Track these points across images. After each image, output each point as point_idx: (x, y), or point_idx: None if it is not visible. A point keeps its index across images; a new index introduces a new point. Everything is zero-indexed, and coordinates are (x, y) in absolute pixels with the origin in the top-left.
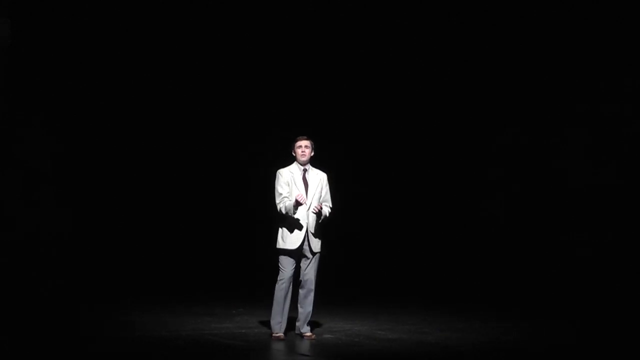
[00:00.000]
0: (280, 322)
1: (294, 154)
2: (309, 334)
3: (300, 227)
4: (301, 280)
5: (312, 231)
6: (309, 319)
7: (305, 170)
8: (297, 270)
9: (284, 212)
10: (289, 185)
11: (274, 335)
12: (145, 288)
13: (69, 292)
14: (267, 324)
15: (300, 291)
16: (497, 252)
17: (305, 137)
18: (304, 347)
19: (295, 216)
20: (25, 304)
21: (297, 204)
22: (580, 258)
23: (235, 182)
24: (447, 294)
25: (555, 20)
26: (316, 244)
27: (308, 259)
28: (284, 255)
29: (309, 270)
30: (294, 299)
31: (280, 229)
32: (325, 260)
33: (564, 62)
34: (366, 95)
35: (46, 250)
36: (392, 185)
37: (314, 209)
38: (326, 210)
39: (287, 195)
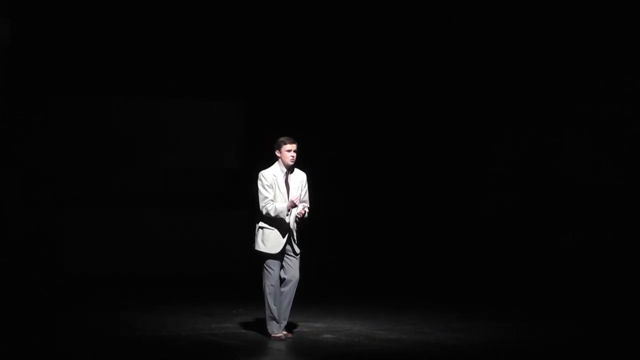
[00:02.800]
0: (279, 323)
1: (279, 155)
2: (285, 332)
3: (283, 231)
4: (284, 279)
5: (294, 234)
6: (287, 317)
7: (287, 173)
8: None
9: (272, 214)
10: (272, 187)
11: (273, 336)
12: (145, 288)
13: (68, 292)
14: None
15: (282, 290)
16: (497, 252)
17: (293, 140)
18: (289, 347)
19: (279, 220)
20: (25, 303)
21: (293, 205)
22: (581, 258)
23: (237, 184)
24: (447, 294)
25: (555, 20)
26: (297, 246)
27: (291, 258)
28: (269, 258)
29: (294, 270)
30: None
31: (260, 231)
32: (325, 260)
33: (564, 63)
34: (366, 95)
35: (46, 250)
36: (392, 185)
37: (298, 215)
38: (306, 212)
39: (272, 198)
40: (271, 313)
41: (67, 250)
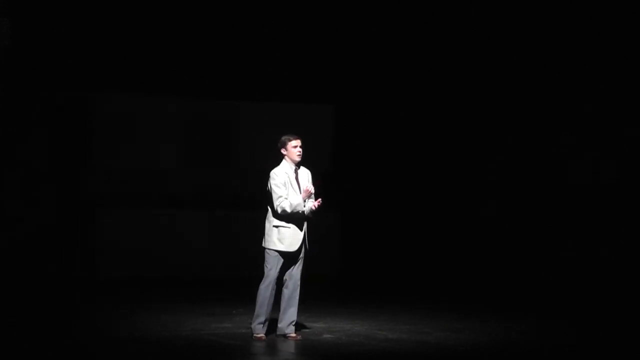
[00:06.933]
0: (263, 324)
1: (285, 153)
2: (293, 334)
3: (300, 228)
4: (286, 280)
5: (307, 230)
6: (294, 319)
7: (296, 170)
8: (282, 270)
9: (289, 210)
10: (285, 186)
11: (255, 336)
12: (145, 288)
13: (68, 292)
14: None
15: (285, 291)
16: (497, 252)
17: (298, 136)
18: (289, 347)
19: (294, 216)
20: (25, 303)
21: (308, 194)
22: (581, 258)
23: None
24: (447, 294)
25: (557, 22)
26: (307, 243)
27: (299, 258)
28: (276, 256)
29: (297, 270)
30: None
31: (275, 230)
32: (325, 260)
33: (563, 63)
34: (370, 96)
35: (46, 249)
36: (392, 185)
37: (314, 206)
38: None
39: (286, 196)
40: (261, 313)
41: (68, 251)
